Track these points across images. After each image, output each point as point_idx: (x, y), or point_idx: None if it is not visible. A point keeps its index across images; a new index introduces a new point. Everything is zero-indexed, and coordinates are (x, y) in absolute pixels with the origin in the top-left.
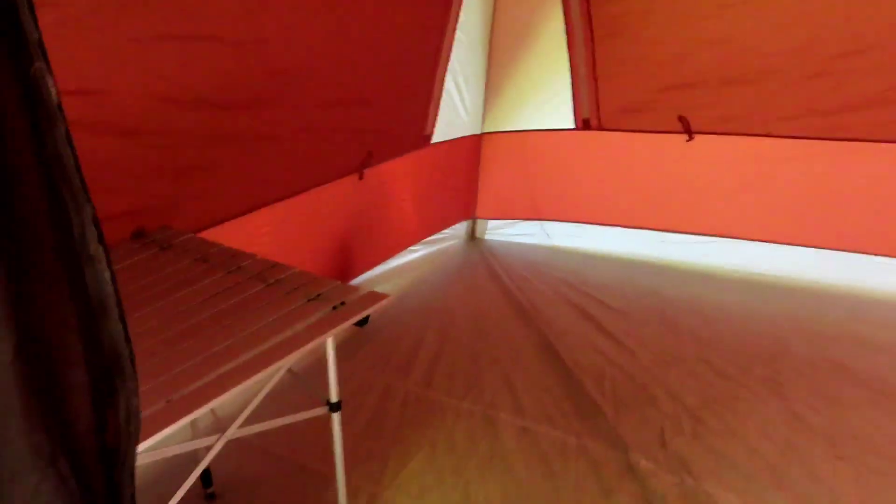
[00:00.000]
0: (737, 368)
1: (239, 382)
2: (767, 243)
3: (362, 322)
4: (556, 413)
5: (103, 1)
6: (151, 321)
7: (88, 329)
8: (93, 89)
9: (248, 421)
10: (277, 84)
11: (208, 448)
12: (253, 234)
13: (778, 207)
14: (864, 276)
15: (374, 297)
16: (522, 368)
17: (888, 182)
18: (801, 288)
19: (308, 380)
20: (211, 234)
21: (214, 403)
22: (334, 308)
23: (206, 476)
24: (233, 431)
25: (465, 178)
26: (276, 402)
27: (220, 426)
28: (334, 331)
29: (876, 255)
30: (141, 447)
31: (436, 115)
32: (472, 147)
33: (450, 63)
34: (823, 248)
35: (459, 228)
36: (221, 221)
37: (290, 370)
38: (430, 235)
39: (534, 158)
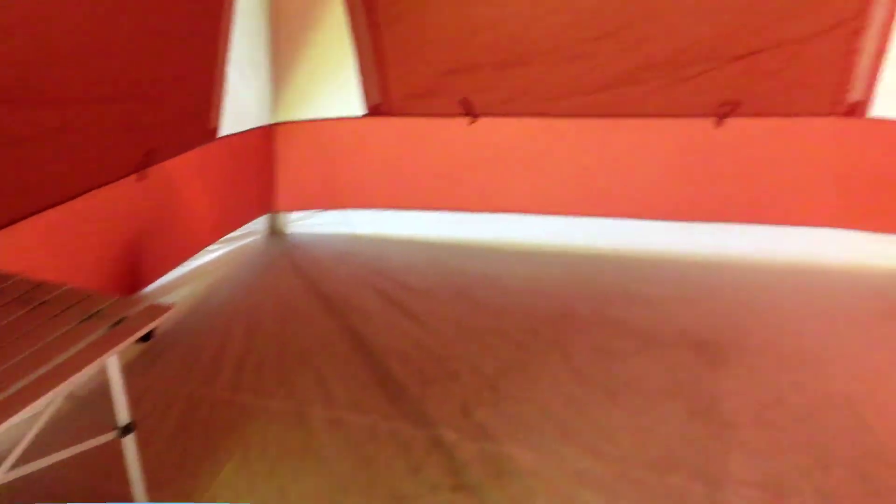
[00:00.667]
0: (528, 335)
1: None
2: (551, 216)
3: (145, 337)
4: (366, 399)
5: None
6: None
7: None
8: None
9: (26, 457)
10: (30, 77)
11: None
12: (21, 248)
13: (557, 182)
14: (634, 238)
15: (157, 309)
16: (331, 359)
17: (644, 152)
18: (582, 255)
19: (97, 403)
20: None
21: None
22: (114, 325)
23: None
24: (2, 476)
25: (260, 171)
26: (64, 431)
27: None
28: (115, 350)
29: (641, 218)
30: None
31: (220, 106)
32: (264, 138)
33: (230, 51)
34: (599, 217)
35: (260, 223)
36: None
37: (71, 396)
38: (227, 233)
39: (329, 147)
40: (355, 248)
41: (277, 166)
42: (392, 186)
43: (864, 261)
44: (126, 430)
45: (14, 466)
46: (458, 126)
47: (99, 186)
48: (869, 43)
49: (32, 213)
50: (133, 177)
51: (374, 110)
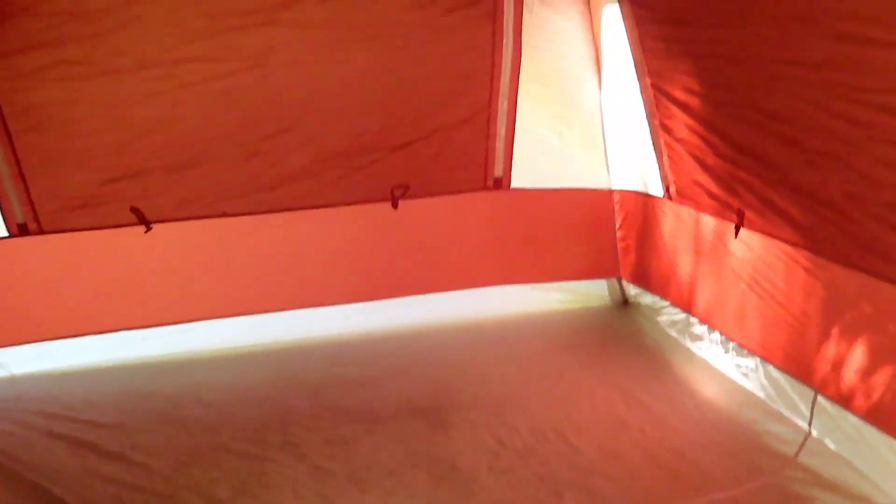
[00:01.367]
0: (253, 444)
1: None
2: (245, 316)
3: None
4: None
5: None
6: None
7: None
8: None
9: None
10: None
11: None
12: None
13: (244, 281)
14: (332, 324)
15: None
16: None
17: (329, 240)
18: (284, 349)
19: None
20: None
21: None
22: None
23: None
24: None
25: None
26: None
27: None
28: None
29: (335, 304)
30: None
31: None
32: None
33: None
34: (294, 309)
35: None
36: None
37: None
38: None
39: None
40: (17, 392)
41: None
42: (55, 313)
43: (529, 308)
44: None
45: None
46: (130, 235)
47: None
48: (500, 128)
49: None
50: None
51: (20, 230)
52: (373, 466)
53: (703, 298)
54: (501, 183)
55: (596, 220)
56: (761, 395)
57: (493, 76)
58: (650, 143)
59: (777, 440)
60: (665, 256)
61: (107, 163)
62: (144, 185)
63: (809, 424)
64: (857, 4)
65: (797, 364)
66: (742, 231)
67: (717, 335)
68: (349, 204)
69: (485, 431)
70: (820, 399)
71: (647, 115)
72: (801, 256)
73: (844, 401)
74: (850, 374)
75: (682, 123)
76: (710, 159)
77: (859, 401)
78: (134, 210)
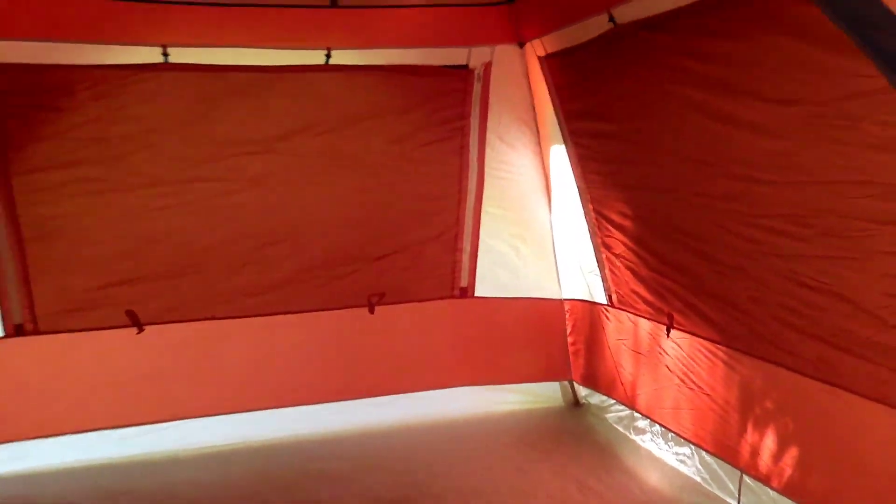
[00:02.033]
0: None
1: None
2: (223, 415)
3: None
4: None
5: None
6: None
7: None
8: None
9: None
10: None
11: None
12: None
13: (230, 381)
14: (308, 423)
15: None
16: None
17: (310, 343)
18: (263, 447)
19: None
20: None
21: None
22: None
23: None
24: None
25: None
26: None
27: None
28: None
29: (311, 403)
30: None
31: None
32: None
33: None
34: (273, 408)
35: None
36: None
37: None
38: None
39: None
40: None
41: None
42: (39, 412)
43: (490, 408)
44: None
45: None
46: (121, 337)
47: None
48: (466, 243)
49: None
50: None
51: (16, 330)
52: None
53: (644, 394)
54: (466, 292)
55: (549, 326)
56: (697, 479)
57: (461, 200)
58: (594, 257)
59: None
60: (610, 358)
61: (108, 269)
62: (141, 290)
63: (738, 501)
64: (746, 154)
65: (725, 448)
66: (672, 332)
67: (657, 427)
68: (329, 309)
69: None
70: (745, 478)
71: (590, 235)
72: (720, 351)
73: (765, 479)
74: (767, 455)
75: (619, 241)
76: (643, 271)
77: (775, 479)
78: (129, 313)
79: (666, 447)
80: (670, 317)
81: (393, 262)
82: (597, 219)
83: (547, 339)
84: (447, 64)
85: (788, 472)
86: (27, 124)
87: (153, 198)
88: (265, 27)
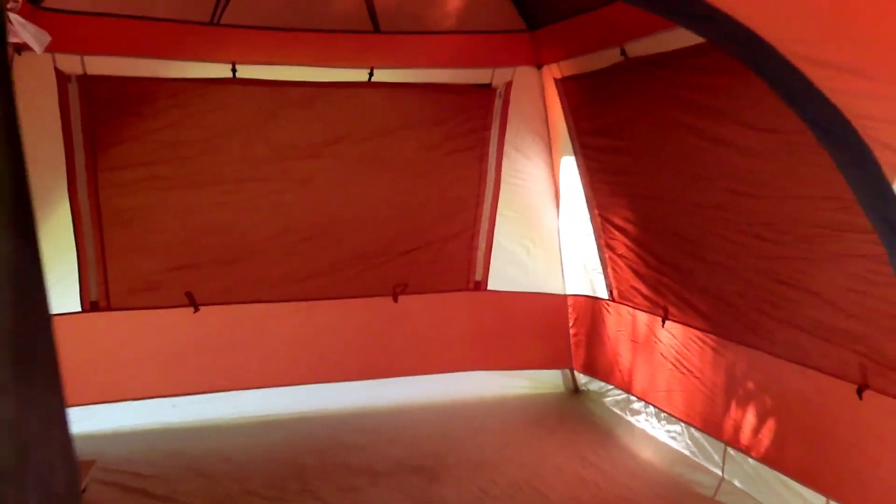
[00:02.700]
0: (276, 490)
1: None
2: (266, 388)
3: None
4: None
5: None
6: None
7: None
8: None
9: None
10: None
11: None
12: None
13: (273, 357)
14: (339, 398)
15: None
16: None
17: (342, 325)
18: (300, 418)
19: None
20: None
21: None
22: None
23: None
24: None
25: None
26: None
27: None
28: None
29: (343, 380)
30: None
31: None
32: None
33: None
34: (311, 384)
35: None
36: None
37: None
38: None
39: None
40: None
41: None
42: (105, 379)
43: (499, 391)
44: None
45: None
46: (179, 315)
47: None
48: (481, 242)
49: None
50: None
51: (92, 306)
52: None
53: (639, 379)
54: (480, 285)
55: (553, 319)
56: (686, 452)
57: (478, 202)
58: (598, 257)
59: (700, 486)
60: (610, 347)
61: (171, 255)
62: (199, 275)
63: (722, 470)
64: (733, 171)
65: (711, 424)
66: (667, 323)
67: (651, 409)
68: (359, 297)
69: (469, 483)
70: (729, 450)
71: (595, 237)
72: (709, 339)
73: (746, 450)
74: (748, 429)
75: (621, 243)
76: (643, 269)
77: (755, 450)
78: (187, 294)
79: (659, 426)
80: (665, 309)
81: (417, 257)
82: (602, 223)
83: (551, 330)
84: (473, 83)
85: (766, 443)
86: (114, 128)
87: (214, 195)
88: (318, 49)
